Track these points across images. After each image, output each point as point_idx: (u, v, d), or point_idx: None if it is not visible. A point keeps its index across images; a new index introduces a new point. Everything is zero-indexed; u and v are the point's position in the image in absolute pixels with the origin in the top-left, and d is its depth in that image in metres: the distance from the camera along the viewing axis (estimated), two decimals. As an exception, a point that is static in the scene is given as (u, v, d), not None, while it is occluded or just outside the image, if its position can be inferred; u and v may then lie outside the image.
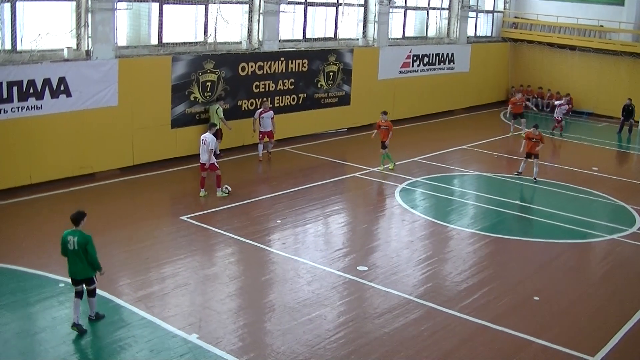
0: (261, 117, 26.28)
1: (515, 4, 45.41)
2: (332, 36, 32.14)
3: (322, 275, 16.57)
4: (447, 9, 39.48)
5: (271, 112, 26.48)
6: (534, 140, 25.77)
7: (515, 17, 45.32)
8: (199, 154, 21.95)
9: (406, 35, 37.03)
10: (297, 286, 15.88)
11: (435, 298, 15.72)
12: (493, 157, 29.74)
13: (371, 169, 25.93)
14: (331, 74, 31.11)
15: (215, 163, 21.73)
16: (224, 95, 26.42)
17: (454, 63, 39.37)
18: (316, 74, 30.38)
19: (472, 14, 41.44)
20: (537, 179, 25.73)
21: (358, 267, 17.08)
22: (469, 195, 24.34)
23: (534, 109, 39.18)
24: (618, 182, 27.15)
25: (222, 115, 25.79)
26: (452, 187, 25.16)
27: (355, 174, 25.35)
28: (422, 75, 37.05)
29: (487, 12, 43.95)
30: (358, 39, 33.45)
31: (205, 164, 21.61)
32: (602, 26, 41.61)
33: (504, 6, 45.02)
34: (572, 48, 42.38)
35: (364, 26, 33.55)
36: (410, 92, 36.02)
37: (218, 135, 25.22)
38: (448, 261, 18.24)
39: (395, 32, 35.82)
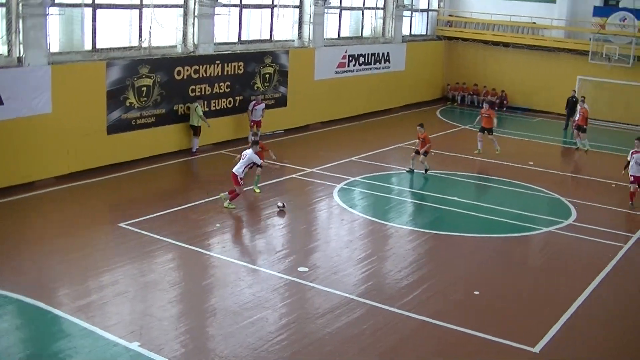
0: (254, 109, 29.12)
1: (450, 3, 46.01)
2: (268, 38, 32.13)
3: (263, 277, 16.60)
4: (382, 8, 39.77)
5: (263, 104, 29.49)
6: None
7: (450, 16, 45.87)
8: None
9: (342, 35, 37.21)
10: (238, 289, 15.88)
11: (376, 296, 15.85)
12: (430, 153, 30.03)
13: (309, 170, 26.01)
14: (267, 75, 31.12)
15: (240, 179, 21.44)
16: (160, 100, 26.24)
17: (389, 62, 39.68)
18: (252, 76, 30.35)
19: (407, 13, 41.84)
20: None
21: (299, 268, 17.13)
22: (407, 193, 24.59)
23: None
24: (554, 176, 27.67)
25: (202, 114, 27.06)
26: (390, 185, 25.38)
27: (294, 175, 25.40)
28: (358, 75, 37.28)
29: (422, 10, 44.41)
30: (294, 40, 33.53)
31: (236, 175, 21.40)
32: (534, 23, 42.42)
33: (439, 5, 45.53)
34: (506, 45, 43.11)
35: (300, 27, 33.62)
36: (346, 92, 36.20)
37: (197, 133, 27.40)
38: (388, 259, 18.43)
39: (330, 32, 35.98)
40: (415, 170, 26.56)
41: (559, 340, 14.36)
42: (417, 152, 26.51)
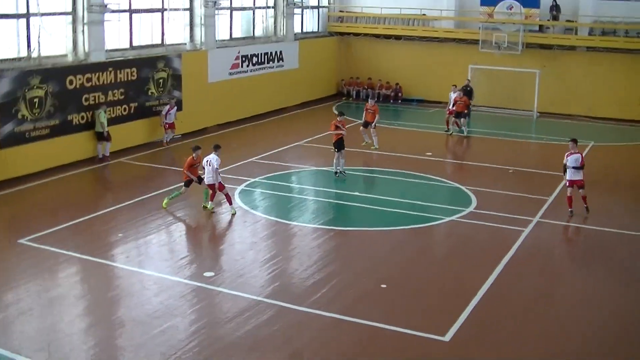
0: (168, 113, 30.13)
1: (340, -2, 46.46)
2: (160, 42, 31.89)
3: (169, 285, 16.55)
4: (273, 7, 39.93)
5: (176, 108, 30.64)
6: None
7: (341, 11, 46.37)
8: (202, 176, 21.87)
9: (234, 36, 37.20)
10: (144, 299, 15.82)
11: (284, 296, 16.00)
12: (329, 150, 30.32)
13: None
14: (161, 80, 30.89)
15: (221, 182, 21.65)
16: (53, 110, 25.74)
17: (283, 61, 39.89)
18: (146, 81, 30.08)
19: (297, 10, 42.11)
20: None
21: (204, 274, 17.16)
22: (309, 191, 24.83)
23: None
24: (453, 165, 28.33)
25: (103, 120, 27.10)
26: (291, 184, 25.58)
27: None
28: (253, 75, 37.37)
29: (313, 7, 44.80)
30: (186, 44, 33.35)
31: (214, 184, 21.49)
32: (424, 15, 43.30)
33: (329, 1, 45.99)
34: (398, 38, 43.86)
35: (191, 30, 33.45)
36: (241, 93, 36.22)
37: (105, 138, 27.51)
38: (293, 258, 18.61)
39: (222, 34, 35.94)
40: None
41: (469, 328, 14.78)
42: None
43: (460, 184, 25.42)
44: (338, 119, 26.28)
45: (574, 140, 22.63)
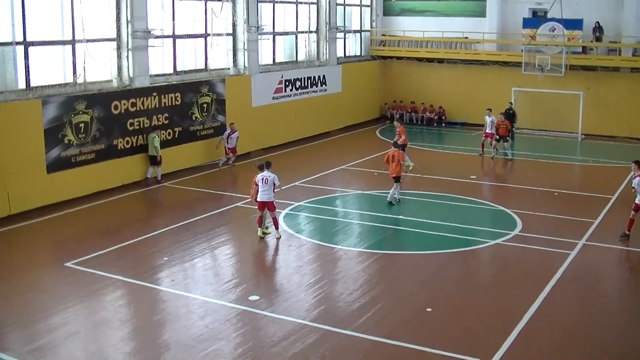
0: (229, 137, 30.84)
1: (382, 22, 46.49)
2: (203, 67, 32.10)
3: (214, 308, 16.51)
4: (315, 31, 40.04)
5: (237, 133, 31.12)
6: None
7: (383, 35, 46.36)
8: (255, 195, 21.48)
9: (277, 60, 37.36)
10: (190, 322, 15.77)
11: (329, 320, 15.87)
12: (373, 174, 30.24)
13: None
14: (205, 105, 31.07)
15: (275, 202, 21.70)
16: (99, 135, 25.99)
17: (326, 85, 39.96)
18: (190, 106, 30.27)
19: (340, 35, 42.17)
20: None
21: (249, 297, 17.08)
22: (353, 215, 24.71)
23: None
24: (497, 188, 28.04)
25: (157, 144, 27.72)
26: (335, 207, 25.48)
27: (238, 204, 25.31)
28: (296, 99, 37.46)
29: (355, 32, 44.86)
30: (229, 68, 33.55)
31: (266, 201, 21.34)
32: (466, 38, 43.13)
33: (371, 25, 46.01)
34: (440, 61, 43.73)
35: (234, 55, 33.66)
36: (285, 117, 36.30)
37: (156, 162, 28.10)
38: (338, 282, 18.46)
39: (265, 58, 36.10)
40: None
41: (514, 352, 14.52)
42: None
43: (505, 207, 25.15)
44: (393, 148, 26.09)
45: (637, 162, 21.77)
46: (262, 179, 21.25)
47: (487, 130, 34.14)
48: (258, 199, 21.35)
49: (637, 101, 39.02)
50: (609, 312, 17.01)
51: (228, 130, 31.01)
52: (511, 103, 37.98)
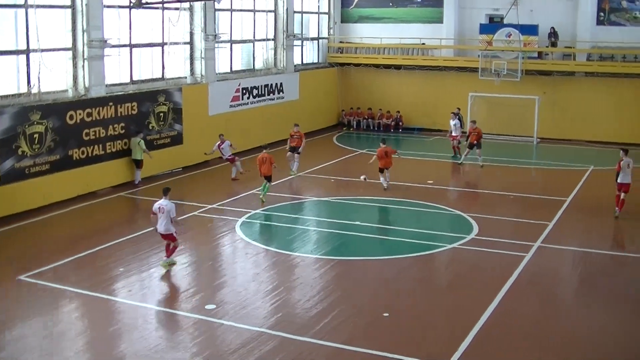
0: (221, 148, 30.25)
1: (340, 29, 46.69)
2: (160, 76, 31.99)
3: (171, 318, 16.49)
4: (273, 39, 40.09)
5: (227, 142, 30.47)
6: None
7: (341, 42, 46.56)
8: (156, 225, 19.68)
9: (234, 69, 37.35)
10: (146, 333, 15.72)
11: (287, 327, 15.91)
12: (330, 181, 30.34)
13: (209, 206, 25.89)
14: (162, 114, 30.95)
15: (174, 233, 19.69)
16: (54, 146, 25.75)
17: (283, 92, 40.04)
18: (147, 115, 30.13)
19: (297, 42, 42.27)
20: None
21: (206, 306, 17.06)
22: (310, 222, 24.77)
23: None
24: (454, 193, 28.26)
25: (145, 147, 28.52)
26: (292, 215, 25.50)
27: (195, 213, 25.22)
28: (253, 107, 37.51)
29: (312, 39, 45.05)
30: (186, 77, 33.46)
31: (164, 233, 19.58)
32: (424, 44, 43.45)
33: (329, 32, 46.18)
34: (398, 67, 44.03)
35: (191, 63, 33.58)
36: (242, 125, 36.23)
37: (140, 165, 28.66)
38: (296, 289, 18.51)
39: (222, 66, 36.08)
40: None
41: (472, 354, 14.68)
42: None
43: (461, 211, 25.37)
44: (382, 145, 28.07)
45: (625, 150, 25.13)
46: (159, 207, 19.40)
47: (453, 134, 34.50)
48: (157, 229, 19.68)
49: (591, 105, 39.65)
50: (565, 314, 17.28)
51: (218, 142, 30.57)
52: (458, 109, 38.34)
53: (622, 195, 24.61)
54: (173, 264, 19.72)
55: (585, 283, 19.53)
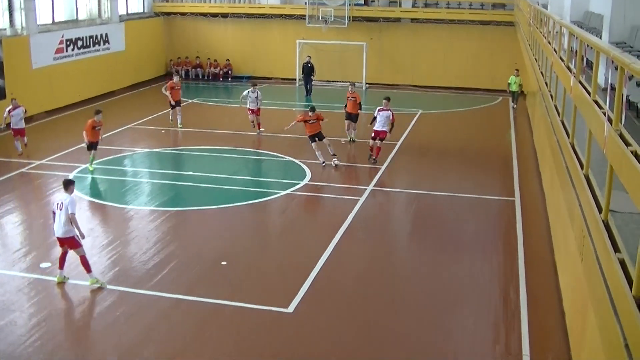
0: (11, 115, 26.01)
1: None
2: (-24, 28, 30.55)
3: (4, 280, 15.95)
4: (95, -12, 38.94)
5: (22, 107, 26.25)
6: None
7: (166, -9, 45.83)
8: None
9: (56, 20, 36.03)
10: (-21, 296, 15.21)
11: (125, 281, 15.79)
12: (160, 132, 30.04)
13: (38, 162, 25.11)
14: (-19, 68, 29.60)
15: (76, 237, 15.52)
16: None
17: (109, 43, 39.05)
18: (-36, 70, 28.77)
19: (122, -9, 41.22)
20: None
21: (41, 265, 16.64)
22: (143, 173, 24.51)
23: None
24: (285, 140, 28.51)
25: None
26: (124, 167, 25.19)
27: (22, 170, 24.39)
28: (78, 59, 36.45)
29: (136, -13, 43.99)
30: (5, 29, 32.03)
31: (62, 237, 15.51)
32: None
33: (154, -19, 45.29)
34: (225, 15, 43.83)
35: (10, 14, 32.14)
36: (68, 78, 35.24)
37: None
38: (131, 242, 18.35)
39: (44, 17, 34.72)
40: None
41: (311, 297, 15.04)
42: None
43: (294, 158, 25.72)
44: (310, 114, 25.11)
45: (388, 99, 25.72)
46: (57, 204, 15.41)
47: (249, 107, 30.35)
48: (54, 232, 15.70)
49: (418, 51, 40.82)
50: (398, 255, 17.96)
51: (9, 107, 26.39)
52: (309, 57, 38.66)
53: (379, 142, 25.05)
54: (95, 283, 15.62)
55: (416, 224, 20.31)
